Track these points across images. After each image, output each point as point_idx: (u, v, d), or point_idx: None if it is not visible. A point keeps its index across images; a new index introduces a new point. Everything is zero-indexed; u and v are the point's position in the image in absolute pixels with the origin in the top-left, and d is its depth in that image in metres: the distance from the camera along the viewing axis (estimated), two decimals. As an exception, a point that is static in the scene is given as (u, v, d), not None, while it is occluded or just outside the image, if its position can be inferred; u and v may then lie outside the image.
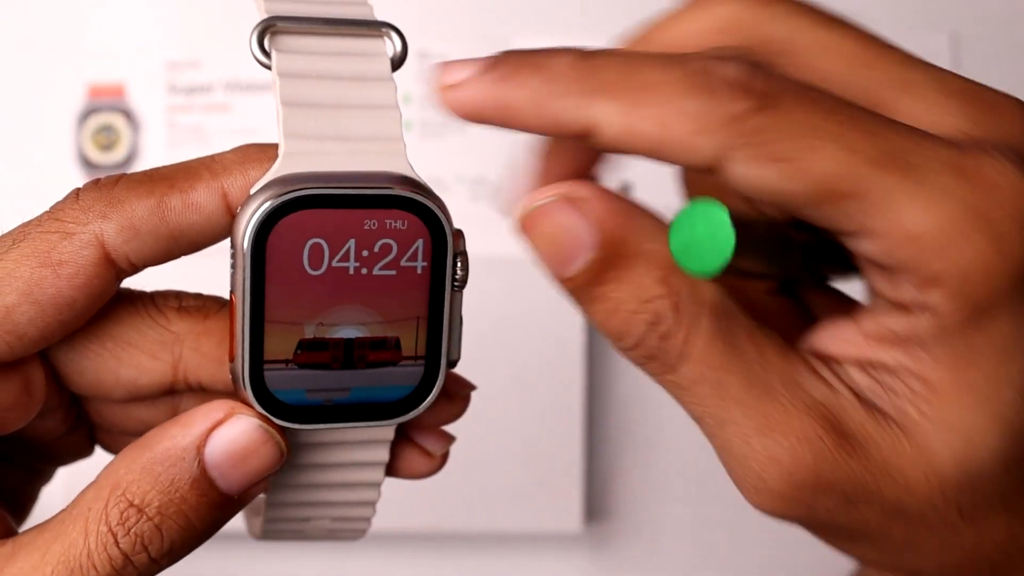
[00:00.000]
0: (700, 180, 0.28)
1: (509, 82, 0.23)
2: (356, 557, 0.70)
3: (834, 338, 0.26)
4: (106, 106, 0.69)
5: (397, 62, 0.27)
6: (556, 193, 0.24)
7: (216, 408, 0.25)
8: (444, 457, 0.30)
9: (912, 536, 0.26)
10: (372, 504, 0.30)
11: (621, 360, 0.72)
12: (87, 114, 0.69)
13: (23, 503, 0.31)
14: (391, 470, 0.30)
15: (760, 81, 0.23)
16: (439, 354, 0.27)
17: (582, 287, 0.25)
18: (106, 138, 0.69)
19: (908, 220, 0.22)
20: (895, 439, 0.25)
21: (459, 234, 0.26)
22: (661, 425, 0.71)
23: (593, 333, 0.69)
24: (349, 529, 0.31)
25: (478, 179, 0.70)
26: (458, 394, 0.29)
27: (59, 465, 0.31)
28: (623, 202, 0.25)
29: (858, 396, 0.25)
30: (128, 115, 0.69)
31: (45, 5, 0.70)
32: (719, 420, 0.25)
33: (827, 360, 0.26)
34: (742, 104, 0.22)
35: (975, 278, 0.23)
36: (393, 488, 0.67)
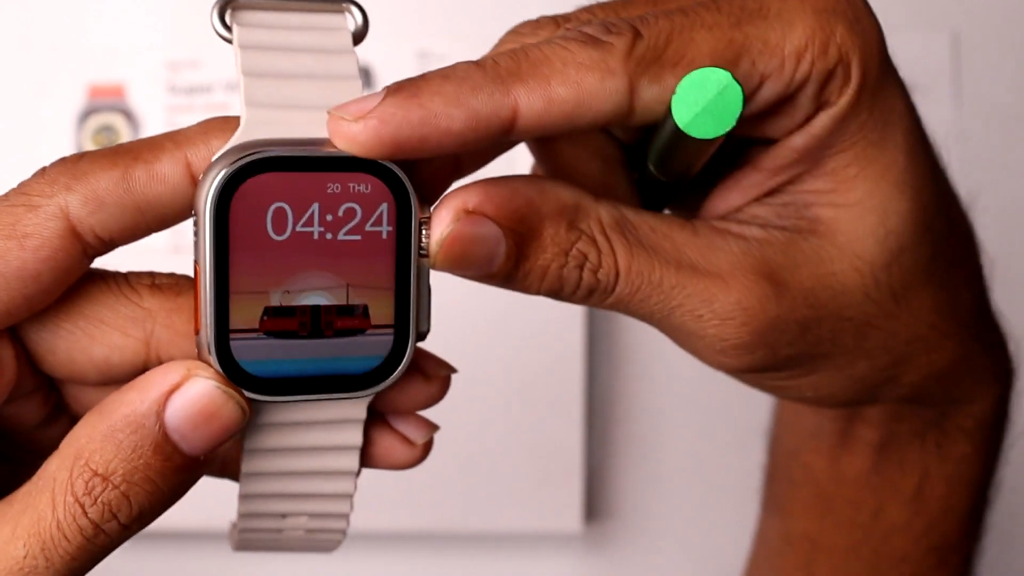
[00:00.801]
0: (552, 153, 0.30)
1: (422, 96, 0.24)
2: (356, 557, 0.70)
3: (731, 190, 0.29)
4: (106, 106, 0.69)
5: (358, 36, 0.27)
6: (452, 212, 0.26)
7: (173, 370, 0.25)
8: (427, 447, 0.30)
9: (860, 339, 0.29)
10: (348, 497, 0.29)
11: (621, 361, 0.72)
12: (87, 114, 0.69)
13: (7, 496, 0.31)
14: (370, 460, 0.29)
15: (618, 24, 0.25)
16: (408, 323, 0.26)
17: (510, 273, 0.26)
18: (106, 138, 0.69)
19: (788, 46, 0.26)
20: (818, 248, 0.28)
21: (425, 201, 0.26)
22: (661, 425, 0.71)
23: (593, 333, 0.69)
24: (326, 529, 0.30)
25: (478, 179, 0.69)
26: (437, 375, 0.29)
27: (41, 459, 0.31)
28: (509, 184, 0.26)
29: (768, 230, 0.28)
30: (128, 115, 0.69)
31: (46, 6, 0.70)
32: (667, 310, 0.27)
33: (729, 216, 0.29)
34: (621, 40, 0.25)
35: (857, 61, 0.26)
36: (393, 488, 0.67)
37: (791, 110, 0.27)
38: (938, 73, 0.70)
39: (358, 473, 0.29)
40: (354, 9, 0.27)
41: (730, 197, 0.29)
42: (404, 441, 0.29)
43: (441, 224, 0.25)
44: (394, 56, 0.69)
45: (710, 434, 0.70)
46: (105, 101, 0.69)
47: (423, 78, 0.25)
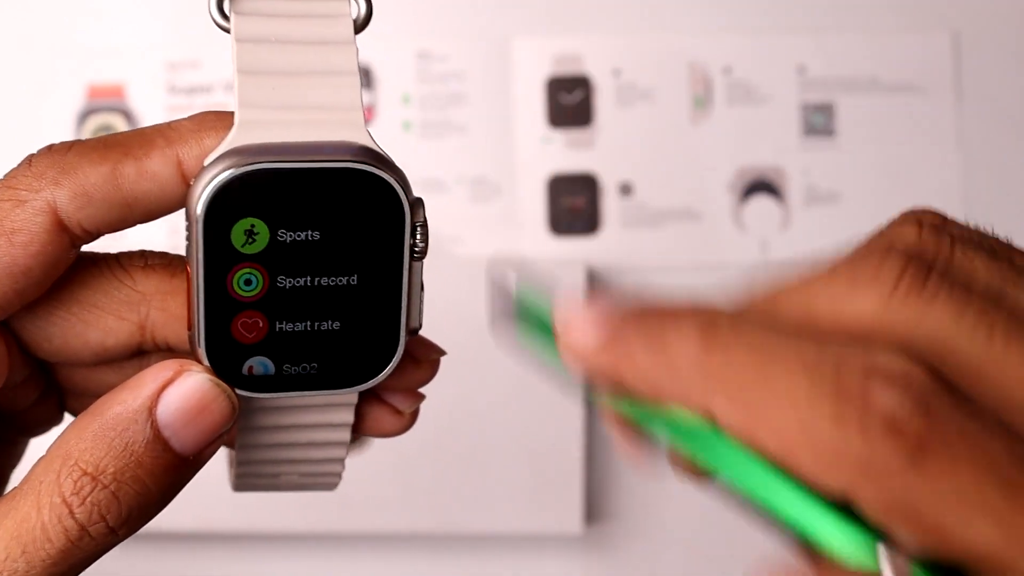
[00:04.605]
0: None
1: (626, 362, 0.22)
2: (356, 557, 0.70)
3: None
4: (106, 106, 0.69)
5: (360, 24, 0.27)
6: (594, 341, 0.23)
7: (165, 367, 0.25)
8: (413, 415, 0.30)
9: None
10: (340, 460, 0.30)
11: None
12: (87, 114, 0.69)
13: None
14: (360, 429, 0.30)
15: (918, 421, 0.18)
16: (399, 320, 0.27)
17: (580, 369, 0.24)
18: (106, 138, 0.69)
19: None
20: None
21: (419, 203, 0.26)
22: (661, 426, 0.71)
23: (593, 334, 0.69)
24: (320, 483, 0.31)
25: (478, 179, 0.69)
26: (426, 358, 0.29)
27: (29, 436, 0.31)
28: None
29: None
30: (128, 115, 0.69)
31: (45, 6, 0.70)
32: None
33: None
34: (889, 451, 0.18)
35: None
36: (393, 489, 0.67)
37: None
38: (938, 73, 0.70)
39: (350, 444, 0.29)
40: (355, 1, 0.26)
41: None
42: (392, 411, 0.29)
43: (583, 333, 0.23)
44: (394, 56, 0.69)
45: (710, 435, 0.70)
46: (104, 101, 0.69)
47: (644, 329, 0.22)
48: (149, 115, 0.69)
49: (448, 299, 0.63)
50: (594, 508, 0.70)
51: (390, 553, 0.70)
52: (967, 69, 0.70)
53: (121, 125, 0.69)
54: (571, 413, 0.67)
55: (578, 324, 0.23)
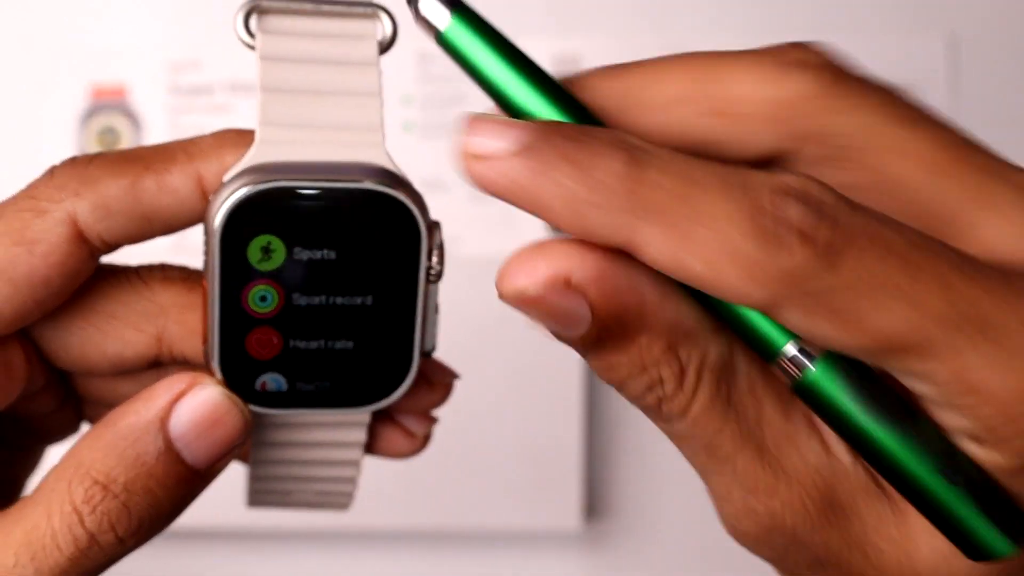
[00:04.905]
0: None
1: (544, 176, 0.21)
2: (356, 556, 0.70)
3: None
4: (108, 107, 0.69)
5: (385, 45, 0.27)
6: (548, 275, 0.22)
7: (178, 380, 0.25)
8: (426, 438, 0.30)
9: None
10: (353, 480, 0.30)
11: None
12: (89, 115, 0.69)
13: (9, 488, 0.31)
14: (372, 449, 0.30)
15: (825, 229, 0.20)
16: (412, 341, 0.27)
17: (576, 347, 0.23)
18: (108, 139, 0.69)
19: (976, 377, 0.21)
20: (882, 516, 0.24)
21: (436, 226, 0.26)
22: (660, 424, 0.71)
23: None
24: (332, 503, 0.31)
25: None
26: (440, 382, 0.29)
27: (46, 443, 0.31)
28: (632, 275, 0.22)
29: (857, 466, 0.24)
30: (130, 116, 0.69)
31: (47, 6, 0.70)
32: (706, 470, 0.24)
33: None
34: (803, 257, 0.20)
35: None
36: (393, 487, 0.67)
37: (936, 407, 0.22)
38: (935, 75, 0.71)
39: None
40: (384, 17, 0.26)
41: None
42: (405, 433, 0.30)
43: (530, 278, 0.21)
44: (395, 57, 0.69)
45: (709, 433, 0.70)
46: (107, 102, 0.69)
47: (564, 152, 0.21)
48: (151, 115, 0.69)
49: (448, 299, 0.63)
50: (593, 504, 0.71)
51: (389, 550, 0.70)
52: (965, 71, 0.70)
53: (123, 126, 0.69)
54: (570, 410, 0.67)
55: (489, 127, 0.21)
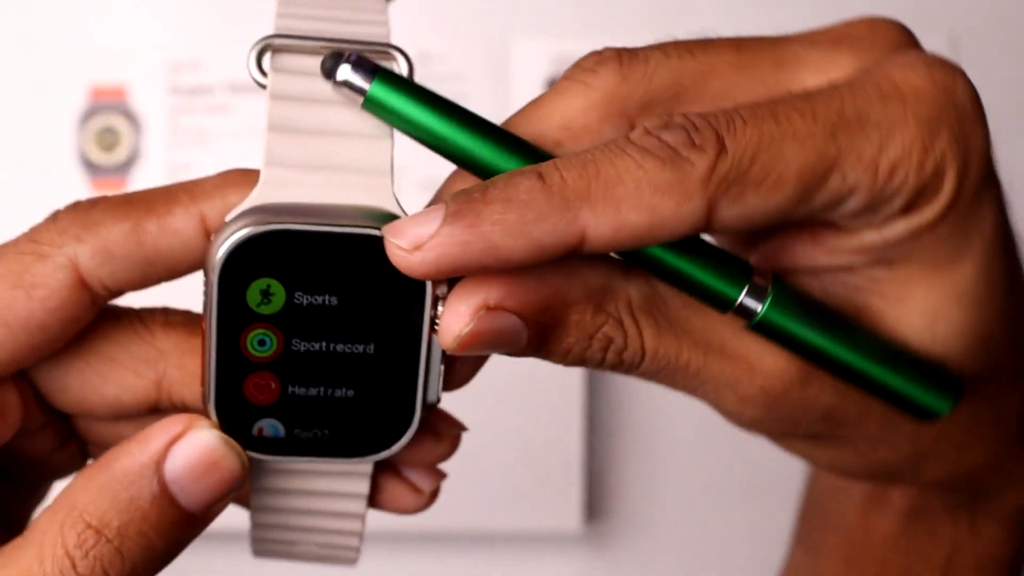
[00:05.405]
0: None
1: (480, 224, 0.23)
2: (357, 556, 0.70)
3: (783, 252, 0.28)
4: (108, 107, 0.69)
5: None
6: (471, 309, 0.24)
7: (174, 422, 0.25)
8: (434, 494, 0.30)
9: (886, 429, 0.28)
10: (357, 533, 0.29)
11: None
12: (89, 115, 0.69)
13: (14, 522, 0.30)
14: (376, 503, 0.29)
15: (702, 132, 0.24)
16: (415, 392, 0.26)
17: (532, 353, 0.25)
18: (108, 139, 0.69)
19: (884, 160, 0.24)
20: None
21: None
22: (660, 424, 0.71)
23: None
24: (337, 556, 0.30)
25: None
26: (448, 434, 0.29)
27: (51, 480, 0.31)
28: (528, 278, 0.24)
29: None
30: (130, 116, 0.69)
31: (47, 6, 0.70)
32: (691, 388, 0.27)
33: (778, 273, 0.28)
34: (701, 159, 0.23)
35: (953, 175, 0.25)
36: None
37: (870, 215, 0.25)
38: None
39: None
40: (400, 57, 0.25)
41: (784, 258, 0.27)
42: (411, 488, 0.29)
43: (459, 321, 0.24)
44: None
45: (710, 434, 0.70)
46: (107, 102, 0.69)
47: (484, 199, 0.23)
48: (151, 116, 0.69)
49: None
50: (593, 505, 0.71)
51: (389, 550, 0.70)
52: (965, 70, 0.70)
53: (123, 127, 0.69)
54: (570, 411, 0.67)
55: (408, 222, 0.23)
